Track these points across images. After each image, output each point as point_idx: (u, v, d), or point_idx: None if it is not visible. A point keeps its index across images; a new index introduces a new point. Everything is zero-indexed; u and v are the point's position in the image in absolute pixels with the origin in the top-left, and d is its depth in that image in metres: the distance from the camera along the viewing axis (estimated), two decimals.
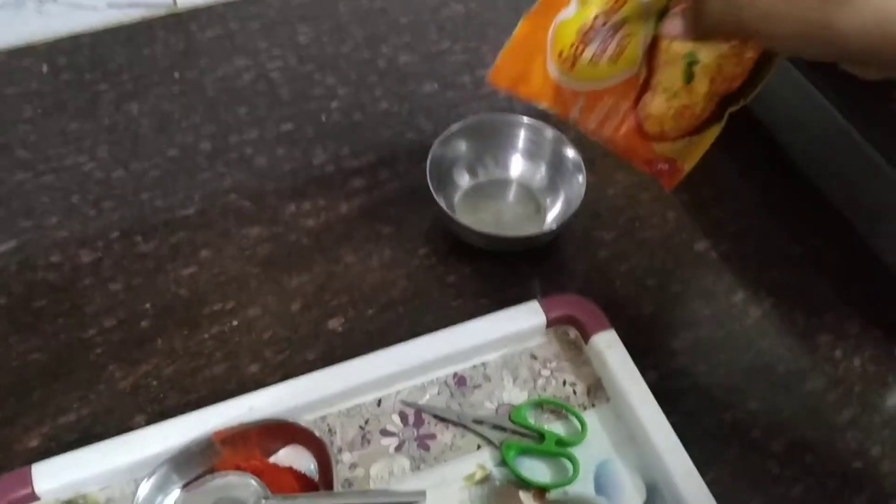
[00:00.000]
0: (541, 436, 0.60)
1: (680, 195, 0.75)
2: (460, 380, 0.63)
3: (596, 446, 0.60)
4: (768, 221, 0.74)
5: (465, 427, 0.61)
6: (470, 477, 0.59)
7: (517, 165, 0.75)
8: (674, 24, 0.48)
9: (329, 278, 0.69)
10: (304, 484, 0.56)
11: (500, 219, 0.73)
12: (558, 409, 0.62)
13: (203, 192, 0.74)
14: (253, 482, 0.55)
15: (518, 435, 0.60)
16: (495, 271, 0.70)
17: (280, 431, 0.57)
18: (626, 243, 0.72)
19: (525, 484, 0.58)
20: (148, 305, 0.67)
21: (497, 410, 0.62)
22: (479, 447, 0.60)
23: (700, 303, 0.69)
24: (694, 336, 0.66)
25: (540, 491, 0.58)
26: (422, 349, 0.63)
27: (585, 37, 0.51)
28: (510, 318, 0.65)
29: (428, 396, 0.62)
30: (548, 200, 0.74)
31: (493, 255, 0.70)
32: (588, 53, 0.52)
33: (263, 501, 0.54)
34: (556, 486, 0.58)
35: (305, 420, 0.59)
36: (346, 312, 0.67)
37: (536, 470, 0.59)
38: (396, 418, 0.61)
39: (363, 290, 0.68)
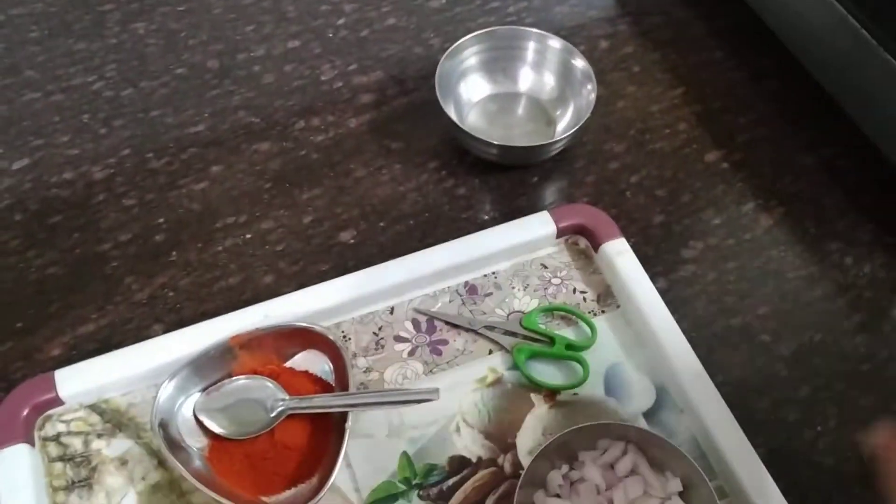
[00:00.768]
0: (551, 340, 0.61)
1: (691, 106, 0.75)
2: (471, 288, 0.64)
3: (605, 351, 0.61)
4: (781, 131, 0.74)
5: (476, 333, 0.62)
6: (482, 380, 0.60)
7: (526, 78, 0.75)
8: None
9: (340, 192, 0.69)
10: (320, 386, 0.58)
11: (510, 131, 0.73)
12: (568, 316, 0.63)
13: (212, 109, 0.74)
14: (270, 384, 0.56)
15: (529, 340, 0.61)
16: (505, 183, 0.70)
17: (295, 336, 0.58)
18: (637, 154, 0.72)
19: (536, 386, 0.60)
20: (162, 220, 0.67)
21: (508, 317, 0.63)
22: (490, 352, 0.61)
23: (710, 212, 0.69)
24: (704, 244, 0.67)
25: (551, 393, 0.59)
26: (433, 259, 0.63)
27: None
28: (520, 228, 0.65)
29: (440, 304, 0.63)
30: (558, 112, 0.73)
31: (502, 168, 0.70)
32: None
33: (281, 402, 0.56)
34: (566, 387, 0.59)
35: (320, 327, 0.60)
36: (357, 225, 0.67)
37: (547, 373, 0.60)
38: (409, 325, 0.62)
39: (374, 204, 0.68)
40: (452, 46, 0.71)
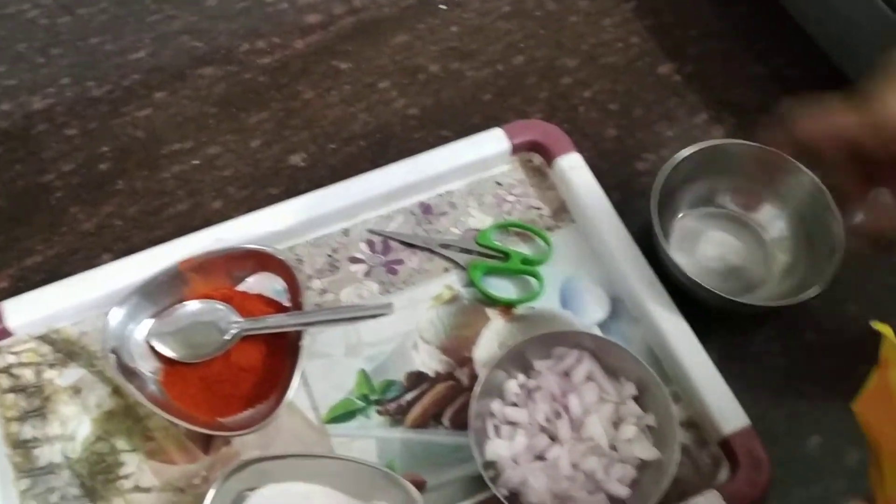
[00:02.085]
0: (506, 256, 0.61)
1: (644, 20, 0.74)
2: (426, 208, 0.63)
3: (561, 265, 0.62)
4: (732, 42, 0.73)
5: (431, 251, 0.61)
6: (438, 297, 0.60)
7: None
8: None
9: (288, 115, 0.67)
10: (274, 308, 0.57)
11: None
12: (524, 232, 0.63)
13: (154, 34, 0.72)
14: (222, 307, 0.56)
15: (484, 256, 0.61)
16: (457, 102, 0.69)
17: (247, 259, 0.58)
18: (589, 69, 0.71)
19: (492, 301, 0.60)
20: (106, 149, 0.66)
21: (463, 235, 0.62)
22: (446, 270, 0.61)
23: (663, 125, 0.68)
24: (656, 157, 0.66)
25: (507, 307, 0.60)
26: (386, 179, 0.63)
27: None
28: (474, 146, 0.64)
29: (394, 225, 0.62)
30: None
31: (455, 85, 0.69)
32: None
33: (234, 324, 0.55)
34: (522, 301, 0.59)
35: (272, 248, 0.59)
36: (307, 148, 0.66)
37: (503, 288, 0.60)
38: (364, 246, 0.62)
39: (324, 126, 0.67)
40: None
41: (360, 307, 0.56)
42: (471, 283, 0.60)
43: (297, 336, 0.54)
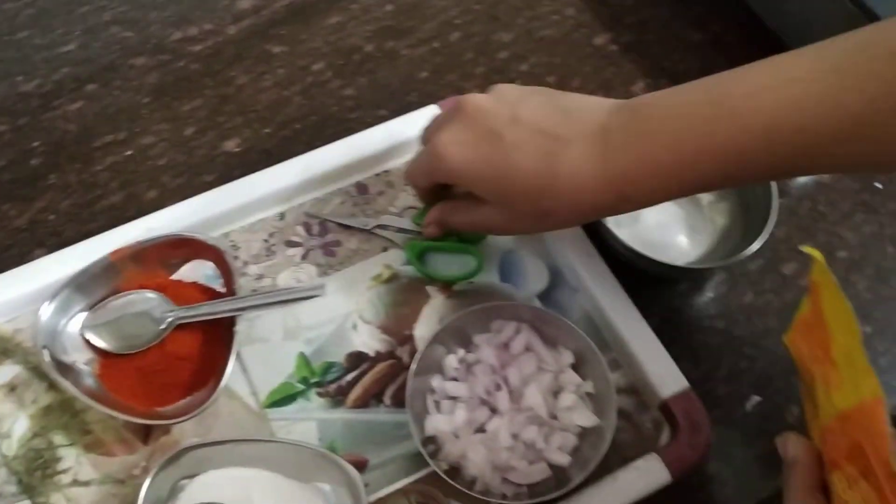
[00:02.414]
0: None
1: None
2: (362, 188, 0.63)
3: (500, 239, 0.61)
4: (668, 10, 0.73)
5: (369, 232, 0.61)
6: (377, 277, 0.60)
7: None
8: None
9: (222, 101, 0.67)
10: (209, 295, 0.57)
11: None
12: None
13: (83, 26, 0.71)
14: (156, 297, 0.55)
15: (422, 236, 0.61)
16: (393, 81, 0.68)
17: (179, 247, 0.57)
18: (525, 43, 0.71)
19: (431, 279, 0.60)
20: (37, 143, 0.65)
21: (401, 215, 0.62)
22: (385, 249, 0.61)
23: (600, 95, 0.67)
24: None
25: (446, 284, 0.60)
26: (321, 161, 0.62)
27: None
28: (409, 124, 0.64)
29: (331, 207, 0.62)
30: None
31: (391, 64, 0.69)
32: None
33: (168, 313, 0.55)
34: (460, 278, 0.59)
35: (203, 235, 0.58)
36: (241, 133, 0.65)
37: (441, 266, 0.60)
38: (300, 229, 0.61)
39: (258, 110, 0.66)
40: None
41: (292, 290, 0.55)
42: (410, 262, 0.60)
43: (233, 322, 0.54)
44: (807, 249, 0.47)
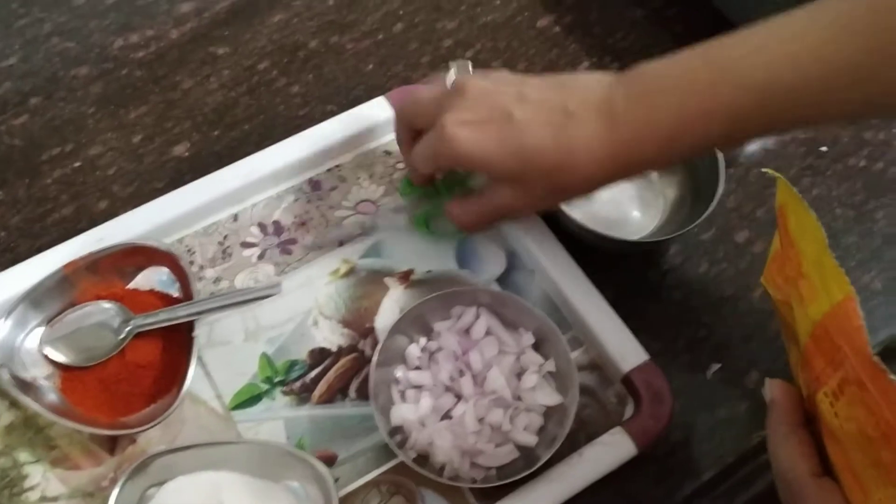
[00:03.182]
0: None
1: None
2: (315, 184, 0.63)
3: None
4: None
5: (326, 227, 0.61)
6: (335, 272, 0.60)
7: None
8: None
9: (168, 106, 0.66)
10: (167, 302, 0.56)
11: None
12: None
13: (23, 39, 0.70)
14: (113, 306, 0.55)
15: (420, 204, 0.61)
16: (340, 75, 0.68)
17: (133, 256, 0.57)
18: (469, 29, 0.71)
19: (389, 269, 0.60)
20: None
21: (355, 207, 0.62)
22: (341, 244, 0.61)
23: None
24: None
25: (405, 274, 0.60)
26: (271, 159, 0.62)
27: None
28: (357, 117, 0.64)
29: (285, 205, 0.62)
30: None
31: (336, 59, 0.69)
32: None
33: (126, 322, 0.54)
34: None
35: (155, 241, 0.58)
36: (190, 137, 0.65)
37: (403, 255, 0.60)
38: (255, 230, 0.61)
39: (205, 113, 0.66)
40: None
41: (248, 290, 0.55)
42: (367, 255, 0.60)
43: (192, 327, 0.54)
44: (769, 172, 0.48)
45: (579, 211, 0.62)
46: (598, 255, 0.61)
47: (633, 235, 0.61)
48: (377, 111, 0.64)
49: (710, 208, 0.57)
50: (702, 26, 0.71)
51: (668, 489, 0.54)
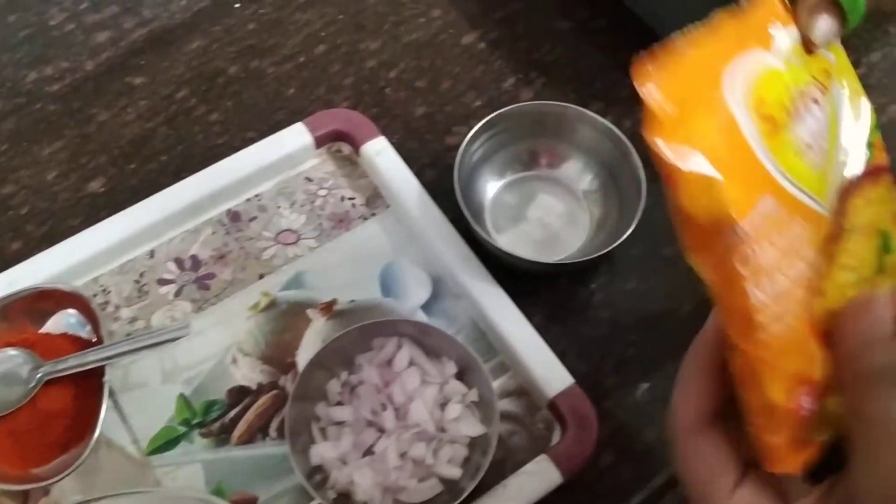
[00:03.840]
0: None
1: None
2: (234, 216, 0.61)
3: (379, 252, 0.60)
4: (535, 2, 0.73)
5: (245, 259, 0.60)
6: (255, 306, 0.58)
7: None
8: None
9: (83, 141, 0.64)
10: (80, 346, 0.54)
11: None
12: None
13: None
14: (21, 354, 0.53)
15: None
16: (260, 100, 0.67)
17: (43, 299, 0.55)
18: (393, 49, 0.70)
19: (311, 300, 0.58)
20: None
21: (276, 238, 0.61)
22: (261, 276, 0.59)
23: (472, 95, 0.68)
24: (467, 128, 0.65)
25: (327, 305, 0.58)
26: (187, 191, 0.60)
27: (796, 107, 0.35)
28: (276, 144, 0.62)
29: (202, 238, 0.60)
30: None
31: (257, 84, 0.67)
32: (799, 133, 0.35)
33: (36, 370, 0.52)
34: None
35: (76, 285, 0.57)
36: (106, 172, 0.63)
37: (321, 284, 0.59)
38: (172, 265, 0.59)
39: (122, 146, 0.64)
40: None
41: (156, 333, 0.53)
42: (288, 286, 0.58)
43: (102, 372, 0.52)
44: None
45: (508, 234, 0.61)
46: (527, 277, 0.60)
47: (562, 254, 0.60)
48: (294, 138, 0.62)
49: (633, 226, 0.56)
50: (626, 36, 0.71)
51: None
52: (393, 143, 0.64)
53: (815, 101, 0.36)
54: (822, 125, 0.36)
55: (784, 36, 0.36)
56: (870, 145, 0.38)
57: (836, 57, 0.39)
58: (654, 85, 0.35)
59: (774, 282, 0.33)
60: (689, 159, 0.33)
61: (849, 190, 0.36)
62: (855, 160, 0.38)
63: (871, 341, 0.32)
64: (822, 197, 0.35)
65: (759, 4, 0.37)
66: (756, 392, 0.34)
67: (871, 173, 0.38)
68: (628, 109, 0.67)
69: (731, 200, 0.32)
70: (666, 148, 0.34)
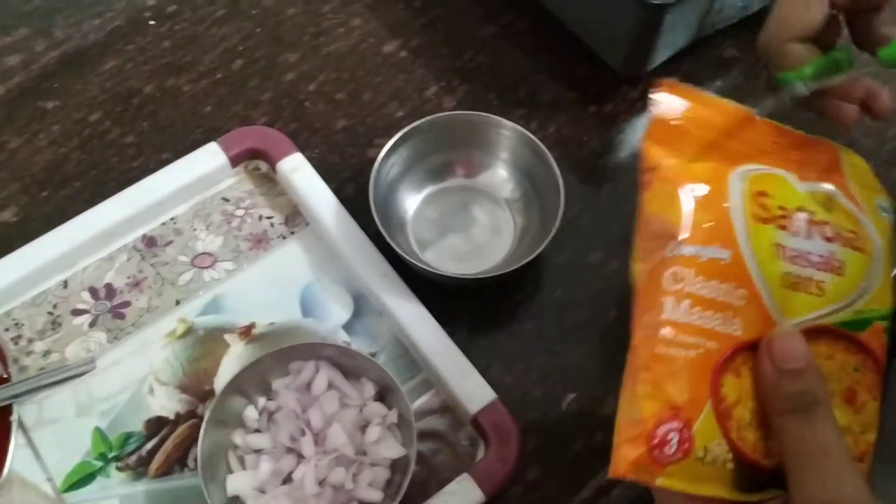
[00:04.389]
0: None
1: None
2: (150, 241, 0.60)
3: (298, 272, 0.59)
4: (456, 8, 0.71)
5: (161, 285, 0.58)
6: (172, 333, 0.57)
7: None
8: None
9: None
10: None
11: None
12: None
13: None
14: None
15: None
16: (177, 120, 0.65)
17: None
18: (313, 61, 0.68)
19: (229, 325, 0.57)
20: None
21: (192, 262, 0.59)
22: (178, 303, 0.58)
23: (393, 105, 0.66)
24: (388, 140, 0.65)
25: (246, 329, 0.57)
26: (102, 216, 0.59)
27: (793, 219, 0.38)
28: (190, 165, 0.61)
29: (117, 266, 0.59)
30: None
31: (172, 103, 0.66)
32: (785, 240, 0.38)
33: None
34: None
35: None
36: (18, 201, 0.61)
37: (239, 308, 0.58)
38: (87, 295, 0.58)
39: (34, 174, 0.63)
40: None
41: (60, 370, 0.52)
42: (205, 312, 0.57)
43: (10, 410, 0.51)
44: None
45: (433, 250, 0.60)
46: (450, 291, 0.59)
47: (488, 265, 0.60)
48: (208, 158, 0.61)
49: (551, 234, 0.55)
50: (547, 39, 0.70)
51: None
52: (313, 158, 0.63)
53: (828, 239, 0.38)
54: (825, 258, 0.38)
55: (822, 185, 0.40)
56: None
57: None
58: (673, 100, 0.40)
59: (691, 314, 0.36)
60: (676, 179, 0.38)
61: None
62: None
63: (784, 371, 0.35)
64: (784, 309, 0.37)
65: (823, 155, 0.42)
66: (628, 392, 0.36)
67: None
68: (552, 114, 0.66)
69: (696, 223, 0.37)
70: (654, 156, 0.39)
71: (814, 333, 0.37)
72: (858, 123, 0.43)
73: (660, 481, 0.35)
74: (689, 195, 0.38)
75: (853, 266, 0.38)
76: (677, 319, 0.36)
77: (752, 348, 0.36)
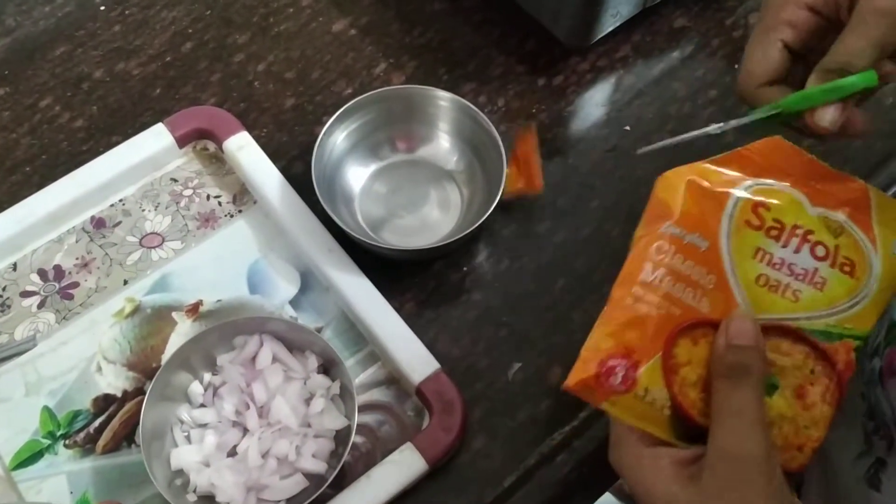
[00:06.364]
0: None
1: None
2: (98, 222, 0.60)
3: (246, 250, 0.60)
4: None
5: (110, 266, 0.59)
6: (119, 312, 0.57)
7: None
8: None
9: None
10: None
11: None
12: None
13: None
14: None
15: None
16: (126, 103, 0.66)
17: None
18: (262, 41, 0.69)
19: (177, 303, 0.58)
20: None
21: (141, 242, 0.60)
22: (125, 282, 0.58)
23: (342, 83, 0.67)
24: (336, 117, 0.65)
25: (193, 306, 0.58)
26: (51, 199, 0.59)
27: (785, 232, 0.43)
28: (137, 147, 0.61)
29: (66, 247, 0.59)
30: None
31: (122, 87, 0.66)
32: (772, 248, 0.43)
33: None
34: None
35: None
36: None
37: (186, 286, 0.58)
38: (36, 277, 0.58)
39: None
40: None
41: (1, 348, 0.53)
42: (153, 290, 0.58)
43: None
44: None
45: (380, 223, 0.60)
46: (398, 265, 0.59)
47: (435, 237, 0.60)
48: (155, 139, 0.61)
49: (493, 205, 0.56)
50: (497, 13, 0.70)
51: (468, 500, 0.52)
52: (262, 137, 0.63)
53: (818, 258, 0.43)
54: (807, 272, 0.43)
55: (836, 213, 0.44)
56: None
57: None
58: None
59: (662, 281, 0.42)
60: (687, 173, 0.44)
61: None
62: None
63: (731, 345, 0.40)
64: (756, 303, 0.42)
65: (850, 191, 0.45)
66: (596, 329, 0.42)
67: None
68: (501, 88, 0.66)
69: (684, 211, 0.43)
70: None
71: (779, 330, 0.42)
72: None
73: (605, 406, 0.41)
74: (693, 188, 0.43)
75: (836, 286, 0.43)
76: (650, 282, 0.42)
77: (715, 326, 0.42)
